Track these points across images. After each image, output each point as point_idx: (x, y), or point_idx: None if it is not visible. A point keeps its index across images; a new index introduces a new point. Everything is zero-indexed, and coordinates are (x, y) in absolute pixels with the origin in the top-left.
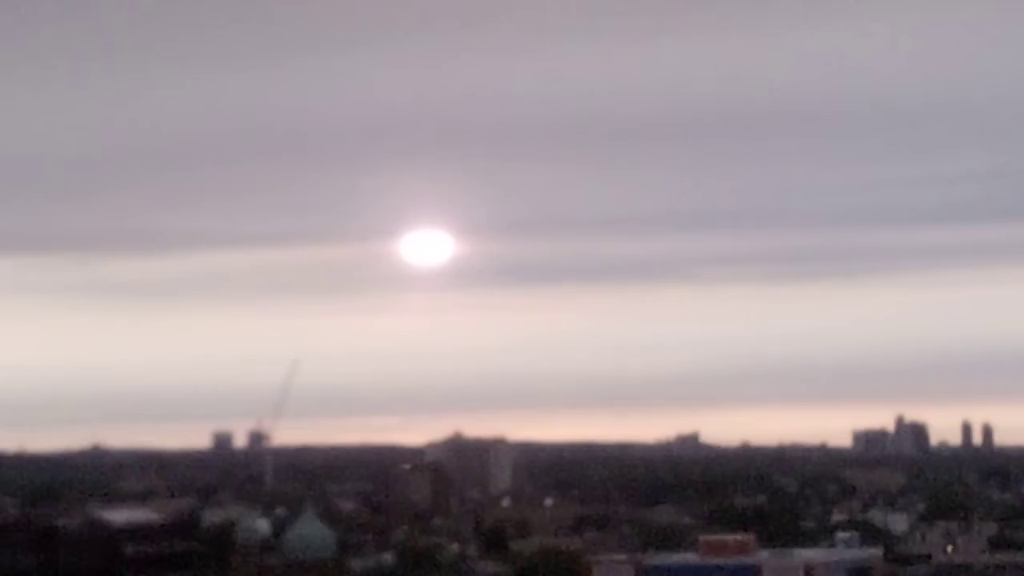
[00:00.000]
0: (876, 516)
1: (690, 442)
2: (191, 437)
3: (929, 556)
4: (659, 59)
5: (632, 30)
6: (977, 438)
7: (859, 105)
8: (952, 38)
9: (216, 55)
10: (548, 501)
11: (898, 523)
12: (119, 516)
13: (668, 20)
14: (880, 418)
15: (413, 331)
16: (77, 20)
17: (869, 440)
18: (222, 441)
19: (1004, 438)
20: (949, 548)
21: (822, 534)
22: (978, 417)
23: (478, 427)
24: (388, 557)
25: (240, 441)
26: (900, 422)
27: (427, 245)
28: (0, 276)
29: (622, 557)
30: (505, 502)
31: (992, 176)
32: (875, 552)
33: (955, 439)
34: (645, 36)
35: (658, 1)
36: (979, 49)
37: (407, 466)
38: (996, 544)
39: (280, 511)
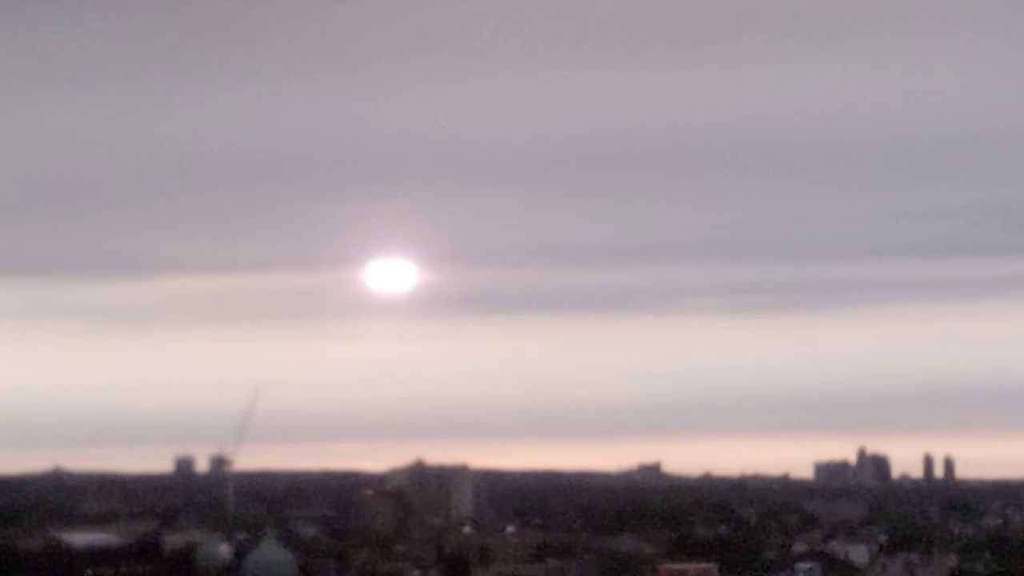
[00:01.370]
0: (837, 547)
1: (652, 471)
2: (153, 461)
3: None
4: (631, 91)
5: (604, 61)
6: (939, 471)
7: (827, 140)
8: (931, 75)
9: (184, 84)
10: (510, 529)
11: (859, 554)
12: (80, 539)
13: (641, 52)
14: (842, 450)
15: (376, 359)
16: (52, 47)
17: (831, 471)
18: (184, 465)
19: (965, 471)
20: None
21: (783, 565)
22: (940, 450)
23: (440, 454)
24: None
25: (202, 465)
26: (862, 454)
27: (391, 274)
28: None
29: None
30: (467, 529)
31: (959, 212)
32: None
33: (917, 471)
34: (616, 67)
35: (633, 32)
36: (958, 86)
37: (369, 492)
38: None
39: (242, 535)
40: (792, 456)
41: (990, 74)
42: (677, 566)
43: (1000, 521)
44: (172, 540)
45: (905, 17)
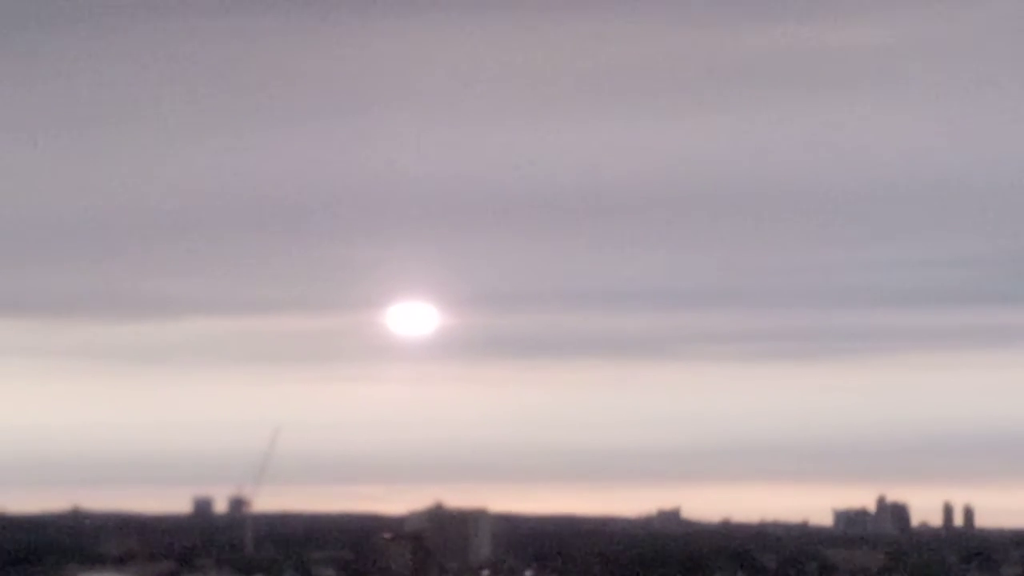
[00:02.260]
0: None
1: (671, 517)
2: (171, 502)
3: None
4: (645, 137)
5: (618, 107)
6: (958, 519)
7: (843, 187)
8: (943, 123)
9: (205, 124)
10: (528, 573)
11: None
12: None
13: (654, 98)
14: (861, 497)
15: (396, 401)
16: (68, 86)
17: (850, 519)
18: (202, 506)
19: (985, 520)
20: None
21: None
22: (960, 498)
23: (459, 498)
24: None
25: (221, 506)
26: (881, 502)
27: (413, 317)
28: None
29: None
30: (485, 573)
31: (976, 261)
32: None
33: (936, 520)
34: (631, 113)
35: (644, 79)
36: (969, 135)
37: (387, 535)
38: None
39: None
40: (811, 503)
41: (1000, 123)
42: None
43: (1020, 570)
44: None
45: (914, 65)
